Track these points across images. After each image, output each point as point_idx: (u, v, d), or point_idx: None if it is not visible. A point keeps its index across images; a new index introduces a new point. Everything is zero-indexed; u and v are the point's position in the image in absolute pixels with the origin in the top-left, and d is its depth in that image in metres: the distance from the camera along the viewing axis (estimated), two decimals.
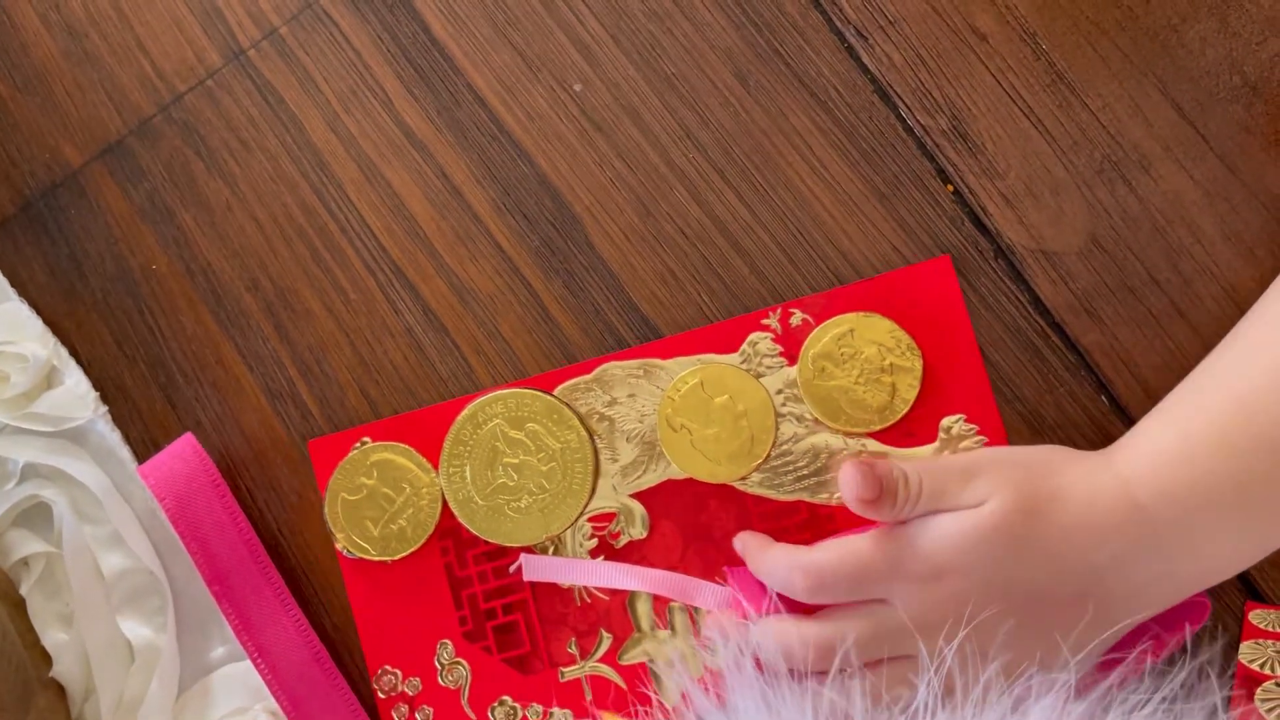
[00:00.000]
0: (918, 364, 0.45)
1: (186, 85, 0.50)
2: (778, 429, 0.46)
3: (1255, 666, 0.42)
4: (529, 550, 0.46)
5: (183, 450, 0.47)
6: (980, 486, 0.41)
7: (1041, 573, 0.40)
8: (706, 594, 0.45)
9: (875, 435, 0.45)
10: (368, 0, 0.49)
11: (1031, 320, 0.46)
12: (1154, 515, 0.40)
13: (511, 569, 0.45)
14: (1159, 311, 0.45)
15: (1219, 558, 0.40)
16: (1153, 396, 0.45)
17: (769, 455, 0.45)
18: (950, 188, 0.46)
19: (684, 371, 0.46)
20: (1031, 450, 0.43)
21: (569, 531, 0.46)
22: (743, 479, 0.46)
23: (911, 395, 0.45)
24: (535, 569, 0.45)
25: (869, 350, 0.45)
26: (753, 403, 0.46)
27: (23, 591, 0.47)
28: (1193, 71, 0.45)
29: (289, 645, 0.46)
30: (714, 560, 0.46)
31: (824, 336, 0.45)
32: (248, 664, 0.47)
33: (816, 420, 0.45)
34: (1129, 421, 0.45)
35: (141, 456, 0.49)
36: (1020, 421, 0.45)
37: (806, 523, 0.45)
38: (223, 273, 0.50)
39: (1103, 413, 0.45)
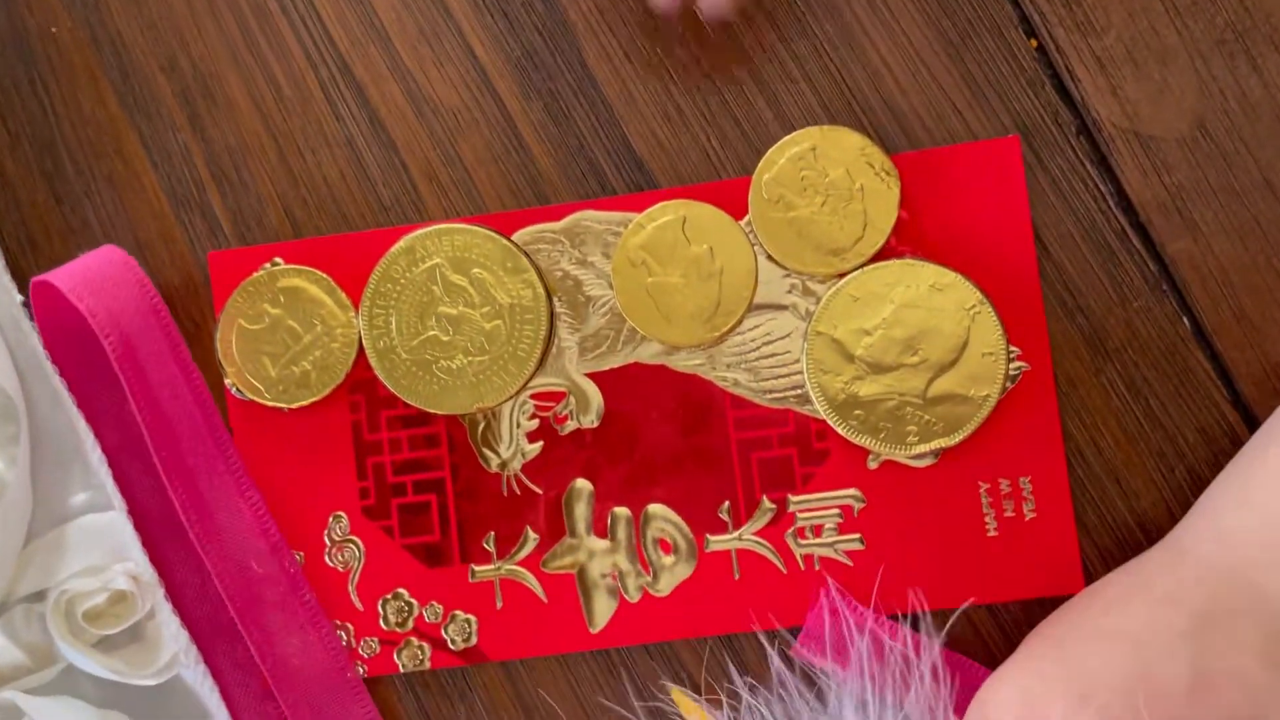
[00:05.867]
0: (895, 187, 0.37)
1: None
2: (752, 303, 0.37)
3: None
4: (455, 420, 0.38)
5: (119, 272, 0.37)
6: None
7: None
8: None
9: (845, 274, 0.37)
10: None
11: (1110, 216, 0.37)
12: (1204, 558, 0.33)
13: None
14: (1268, 222, 0.37)
15: None
16: (1245, 327, 0.36)
17: (731, 330, 0.37)
18: (1034, 42, 0.37)
19: (668, 203, 0.38)
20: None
21: (508, 406, 0.38)
22: (700, 346, 0.38)
23: (887, 226, 0.37)
24: None
25: (835, 173, 0.37)
26: (735, 263, 0.37)
27: None
28: None
29: (246, 533, 0.38)
30: (673, 478, 0.38)
31: (780, 159, 0.37)
32: (111, 516, 0.39)
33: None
34: (1212, 355, 0.37)
35: (13, 255, 0.40)
36: (1080, 340, 0.37)
37: (792, 437, 0.37)
38: (135, 46, 0.41)
39: (1182, 339, 0.37)
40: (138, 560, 0.39)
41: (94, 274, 0.38)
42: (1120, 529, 0.37)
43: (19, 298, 0.39)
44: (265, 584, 0.39)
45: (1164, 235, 0.37)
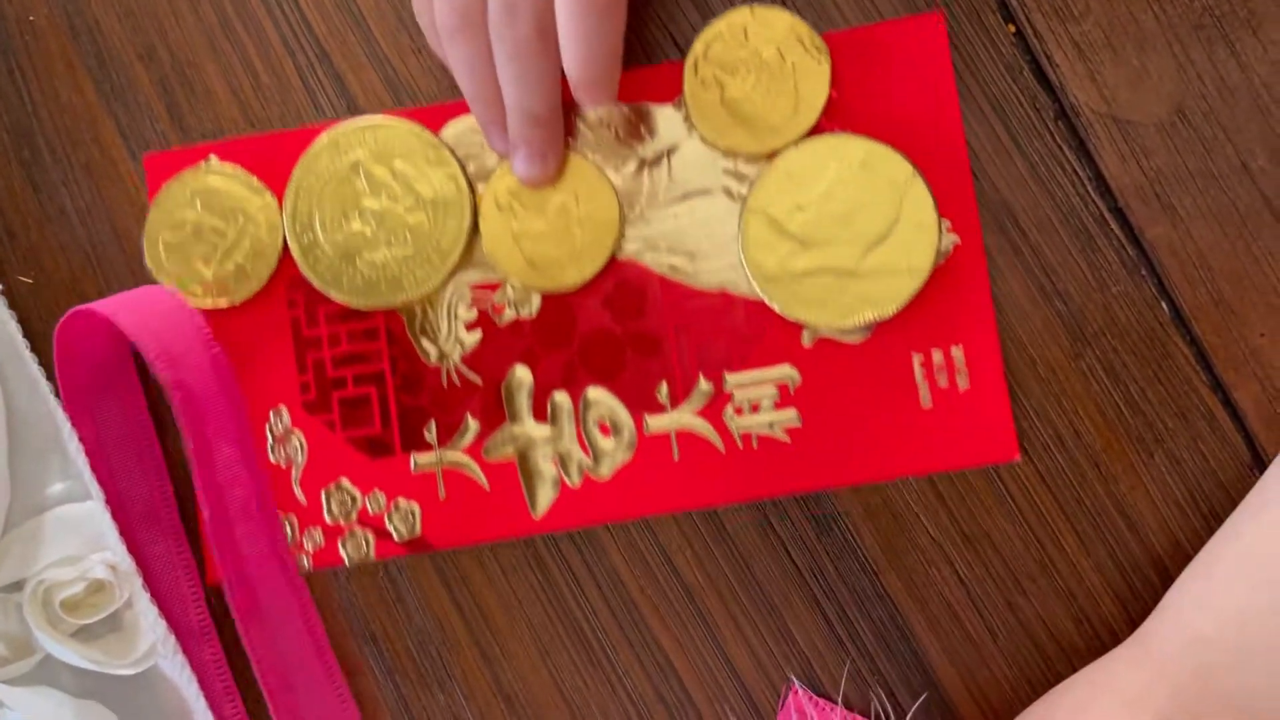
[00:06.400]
0: (825, 64, 0.37)
1: None
2: (620, 247, 0.38)
3: None
4: (393, 314, 0.38)
5: (175, 316, 0.36)
6: None
7: None
8: None
9: (777, 154, 0.37)
10: None
11: (1089, 201, 0.37)
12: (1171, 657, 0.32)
13: None
14: (1246, 207, 0.36)
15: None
16: (1223, 311, 0.36)
17: (597, 276, 0.38)
18: (1012, 27, 0.37)
19: None
20: None
21: (445, 296, 0.38)
22: (575, 286, 0.38)
23: (819, 102, 0.37)
24: None
25: (767, 52, 0.37)
26: (598, 211, 0.38)
27: None
28: None
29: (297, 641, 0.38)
30: (612, 363, 0.38)
31: (711, 40, 0.38)
32: (89, 506, 0.39)
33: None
34: (1191, 339, 0.37)
35: None
36: (1059, 325, 0.37)
37: (727, 316, 0.38)
38: (112, 34, 0.40)
39: (1161, 324, 0.37)
40: (115, 549, 0.39)
41: (144, 314, 0.37)
42: (1100, 515, 0.37)
43: None
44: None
45: (1142, 220, 0.37)
